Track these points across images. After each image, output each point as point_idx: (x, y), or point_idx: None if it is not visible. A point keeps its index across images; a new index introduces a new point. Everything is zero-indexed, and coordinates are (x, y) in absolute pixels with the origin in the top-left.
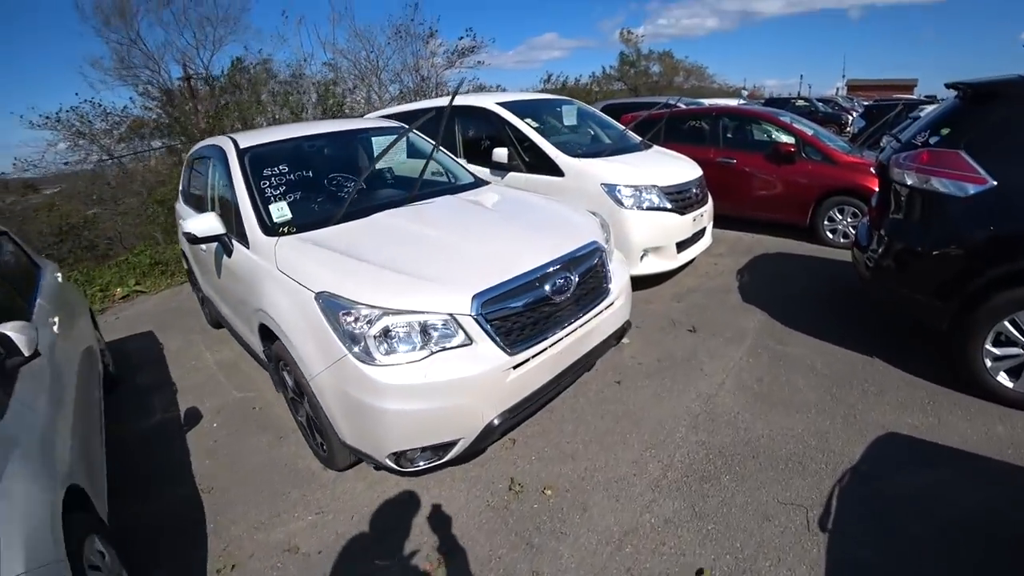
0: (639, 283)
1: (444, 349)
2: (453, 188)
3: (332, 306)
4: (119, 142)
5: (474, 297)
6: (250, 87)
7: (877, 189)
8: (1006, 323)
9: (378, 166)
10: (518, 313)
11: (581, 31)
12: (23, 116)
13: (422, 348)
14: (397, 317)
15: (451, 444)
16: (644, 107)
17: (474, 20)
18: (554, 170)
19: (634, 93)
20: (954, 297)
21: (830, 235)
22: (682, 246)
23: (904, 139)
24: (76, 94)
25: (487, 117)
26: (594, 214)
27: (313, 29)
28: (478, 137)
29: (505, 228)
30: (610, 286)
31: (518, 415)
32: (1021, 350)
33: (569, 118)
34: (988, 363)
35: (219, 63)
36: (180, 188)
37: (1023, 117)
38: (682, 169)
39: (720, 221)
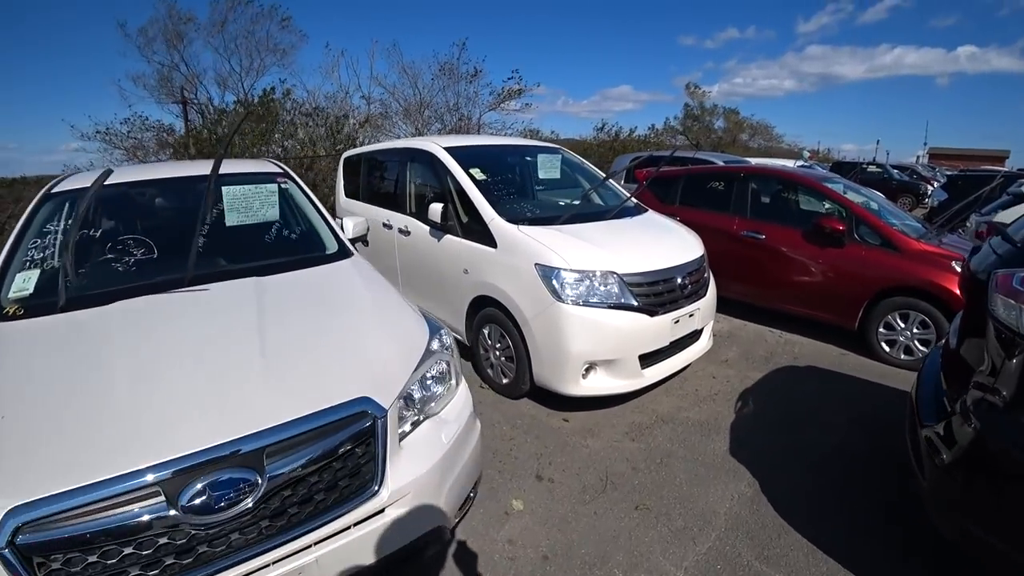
0: (585, 402)
1: None
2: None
3: None
4: (161, 153)
5: None
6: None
7: (960, 317)
8: None
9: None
10: None
11: (655, 85)
12: (74, 126)
13: None
14: None
15: None
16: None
17: (549, 70)
18: (486, 238)
19: (696, 148)
20: None
21: (886, 348)
22: (653, 358)
23: (1020, 239)
24: (114, 112)
25: (432, 164)
26: None
27: (352, 63)
28: (424, 188)
29: None
30: None
31: None
32: None
33: (546, 171)
34: None
35: (260, 88)
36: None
37: None
38: (668, 248)
39: (741, 310)
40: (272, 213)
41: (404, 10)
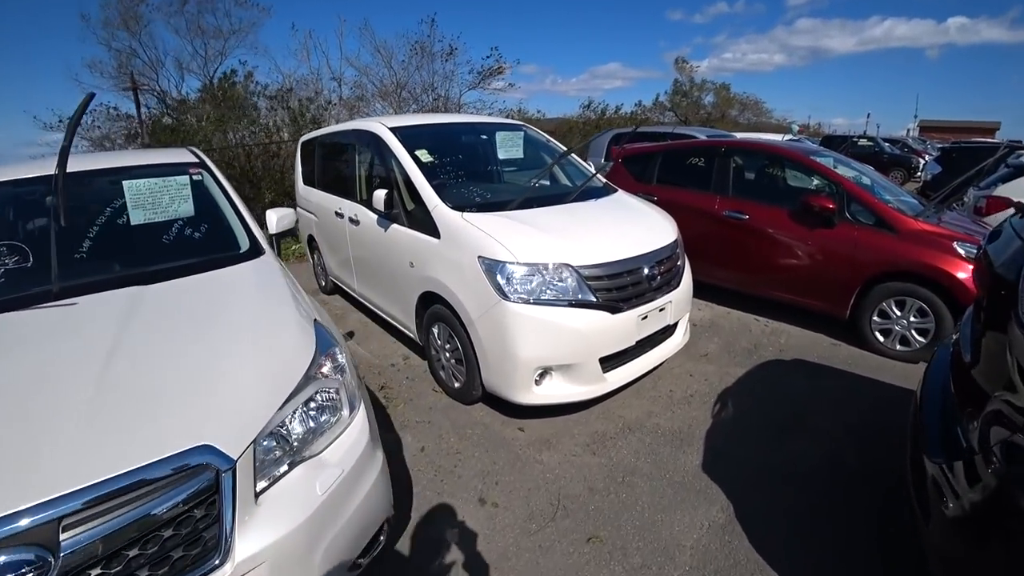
0: (544, 408)
1: None
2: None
3: None
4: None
5: None
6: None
7: (973, 316)
8: None
9: None
10: None
11: (645, 61)
12: (36, 117)
13: None
14: None
15: None
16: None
17: (536, 48)
18: (430, 227)
19: (684, 124)
20: None
21: (881, 338)
22: (617, 360)
23: None
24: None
25: (377, 146)
26: None
27: (321, 44)
28: (371, 173)
29: None
30: None
31: None
32: None
33: (507, 150)
34: None
35: (222, 72)
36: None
37: None
38: (636, 234)
39: (724, 296)
40: (185, 208)
41: None
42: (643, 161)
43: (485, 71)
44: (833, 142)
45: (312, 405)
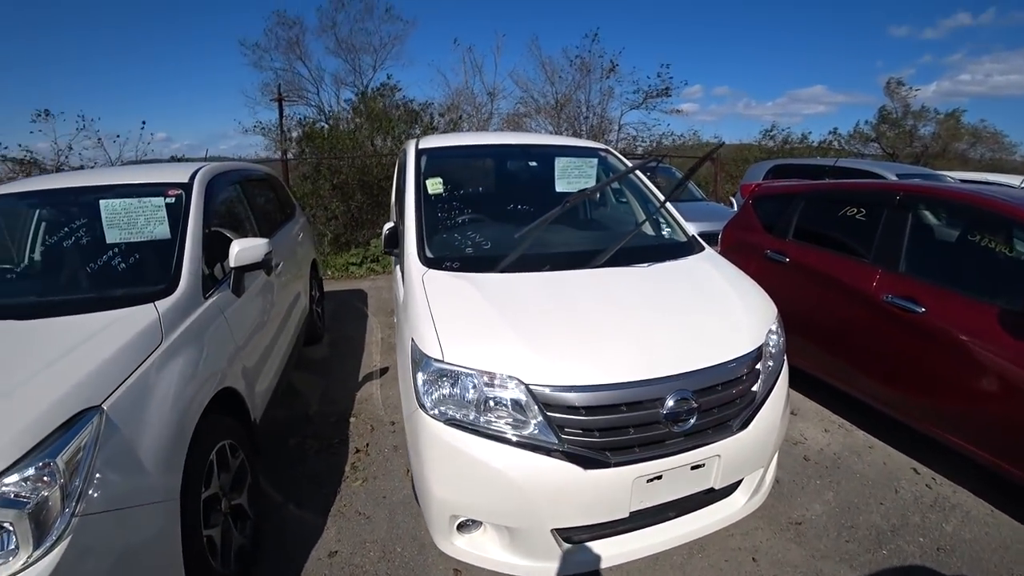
0: None
1: None
2: None
3: None
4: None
5: None
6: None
7: None
8: None
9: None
10: None
11: (854, 84)
12: (240, 122)
13: None
14: None
15: None
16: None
17: (730, 68)
18: (404, 279)
19: (892, 158)
20: None
21: None
22: (595, 532)
23: None
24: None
25: (403, 171)
26: None
27: (477, 61)
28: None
29: None
30: None
31: None
32: None
33: (569, 181)
34: None
35: (371, 87)
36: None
37: None
38: (675, 336)
39: (869, 417)
40: (160, 231)
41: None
42: (779, 204)
43: (650, 91)
44: None
45: None
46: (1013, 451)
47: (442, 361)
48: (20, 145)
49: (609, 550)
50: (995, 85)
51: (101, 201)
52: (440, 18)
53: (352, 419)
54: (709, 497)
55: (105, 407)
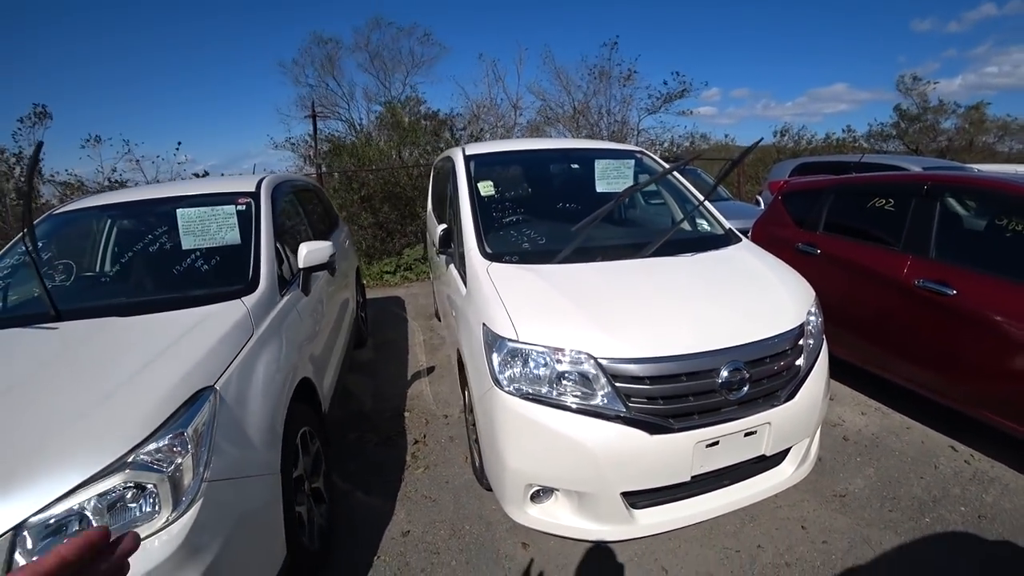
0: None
1: None
2: None
3: None
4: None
5: None
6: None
7: None
8: None
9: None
10: None
11: (877, 81)
12: (272, 138)
13: None
14: None
15: None
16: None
17: (750, 69)
18: (464, 275)
19: (916, 153)
20: None
21: None
22: (659, 496)
23: None
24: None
25: (453, 175)
26: None
27: (500, 73)
28: (449, 205)
29: None
30: None
31: None
32: None
33: (609, 182)
34: None
35: (399, 99)
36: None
37: None
38: (726, 315)
39: (907, 401)
40: (231, 236)
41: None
42: (809, 200)
43: (666, 95)
44: None
45: (128, 496)
46: None
47: (516, 340)
48: (67, 170)
49: (670, 515)
50: (1023, 76)
51: (177, 210)
52: (463, 34)
53: (406, 414)
54: (761, 466)
55: (217, 387)
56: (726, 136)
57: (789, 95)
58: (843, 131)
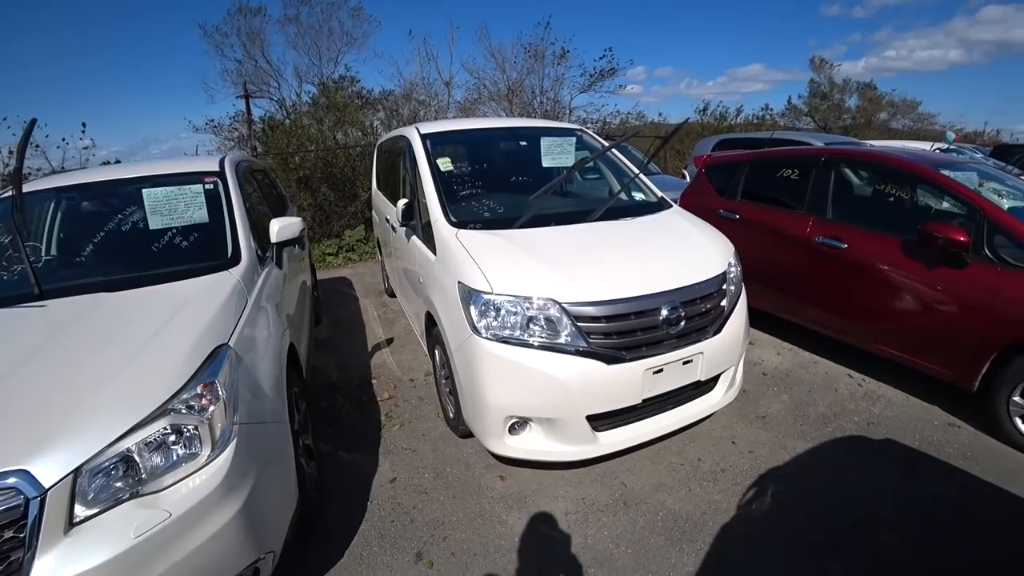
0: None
1: None
2: None
3: None
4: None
5: None
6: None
7: None
8: None
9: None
10: None
11: (790, 62)
12: (190, 121)
13: None
14: None
15: None
16: (753, 144)
17: (673, 50)
18: (431, 243)
19: (824, 131)
20: None
21: (1022, 427)
22: (616, 419)
23: None
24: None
25: (410, 152)
26: None
27: (432, 51)
28: (404, 180)
29: None
30: None
31: None
32: None
33: (554, 157)
34: None
35: (332, 78)
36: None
37: None
38: (663, 264)
39: (814, 341)
40: (199, 215)
41: None
42: (728, 172)
43: (597, 73)
44: (1009, 152)
45: (171, 439)
46: (917, 349)
47: (491, 293)
48: None
49: (626, 434)
50: (919, 60)
51: (143, 190)
52: (393, 9)
53: (374, 381)
54: (697, 391)
55: (231, 344)
56: (660, 115)
57: (710, 75)
58: (761, 109)
